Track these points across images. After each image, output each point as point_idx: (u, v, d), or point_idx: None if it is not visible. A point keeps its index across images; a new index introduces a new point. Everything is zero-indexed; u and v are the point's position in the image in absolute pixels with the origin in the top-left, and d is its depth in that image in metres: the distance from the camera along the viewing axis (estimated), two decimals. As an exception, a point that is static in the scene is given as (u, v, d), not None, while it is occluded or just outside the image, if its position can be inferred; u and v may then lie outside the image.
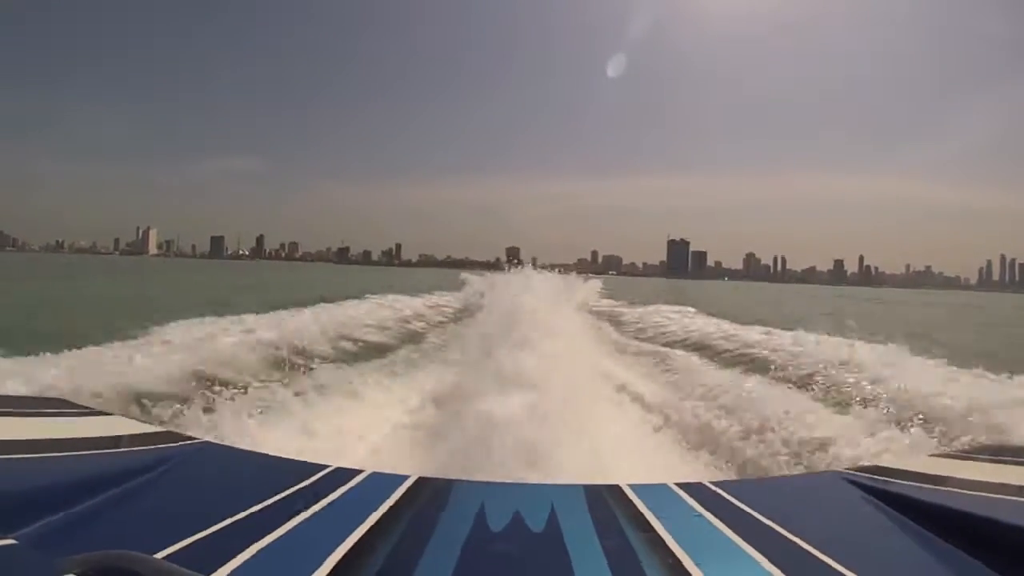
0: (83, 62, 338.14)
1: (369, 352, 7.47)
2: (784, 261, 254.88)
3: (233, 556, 0.85)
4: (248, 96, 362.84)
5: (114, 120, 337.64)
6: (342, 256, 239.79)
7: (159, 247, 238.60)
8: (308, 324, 7.77)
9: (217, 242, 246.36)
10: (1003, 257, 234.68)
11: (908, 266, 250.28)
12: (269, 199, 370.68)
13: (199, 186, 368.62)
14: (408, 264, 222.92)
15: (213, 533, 0.93)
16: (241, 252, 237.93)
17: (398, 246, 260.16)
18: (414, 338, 9.25)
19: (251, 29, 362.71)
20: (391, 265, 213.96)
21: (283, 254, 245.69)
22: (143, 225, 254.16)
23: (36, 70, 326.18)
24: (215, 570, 0.81)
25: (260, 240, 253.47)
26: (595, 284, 24.53)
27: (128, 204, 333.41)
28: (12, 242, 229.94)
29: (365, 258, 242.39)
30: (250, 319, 7.52)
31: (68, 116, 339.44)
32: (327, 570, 0.84)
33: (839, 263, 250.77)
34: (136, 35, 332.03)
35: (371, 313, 10.13)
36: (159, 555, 0.83)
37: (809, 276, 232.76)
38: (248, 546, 0.89)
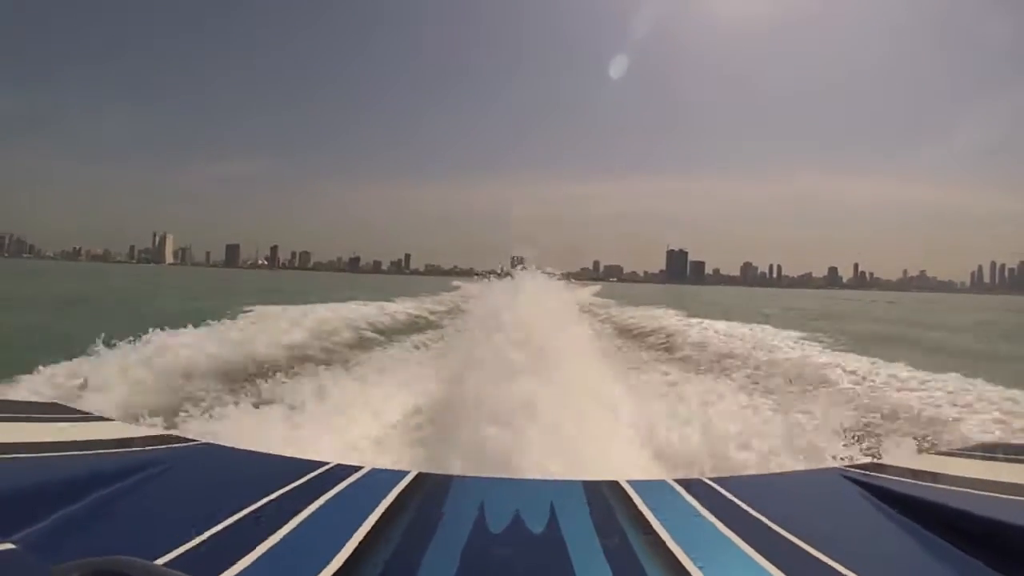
0: (90, 64, 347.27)
1: (366, 348, 7.50)
2: (780, 269, 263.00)
3: (234, 559, 0.85)
4: (253, 99, 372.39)
5: (122, 124, 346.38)
6: (353, 266, 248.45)
7: (174, 255, 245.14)
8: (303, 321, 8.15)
9: (232, 251, 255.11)
10: (993, 263, 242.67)
11: (905, 271, 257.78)
12: (278, 204, 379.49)
13: (207, 192, 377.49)
14: (416, 273, 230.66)
15: (214, 536, 0.93)
16: (261, 262, 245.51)
17: (407, 256, 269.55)
18: (411, 333, 9.60)
19: (257, 33, 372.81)
20: (400, 274, 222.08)
21: (296, 263, 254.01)
22: (153, 231, 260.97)
23: (40, 71, 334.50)
24: (217, 574, 0.81)
25: (274, 250, 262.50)
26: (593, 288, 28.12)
27: (138, 210, 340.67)
28: (29, 248, 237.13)
29: (375, 268, 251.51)
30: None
31: (77, 119, 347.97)
32: (330, 571, 0.84)
33: (833, 270, 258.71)
34: (147, 36, 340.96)
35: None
36: (160, 560, 0.83)
37: (804, 282, 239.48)
38: (249, 548, 0.89)
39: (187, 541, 0.90)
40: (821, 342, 8.60)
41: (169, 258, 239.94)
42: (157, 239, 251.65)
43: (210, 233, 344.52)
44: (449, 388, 4.41)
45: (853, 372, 6.03)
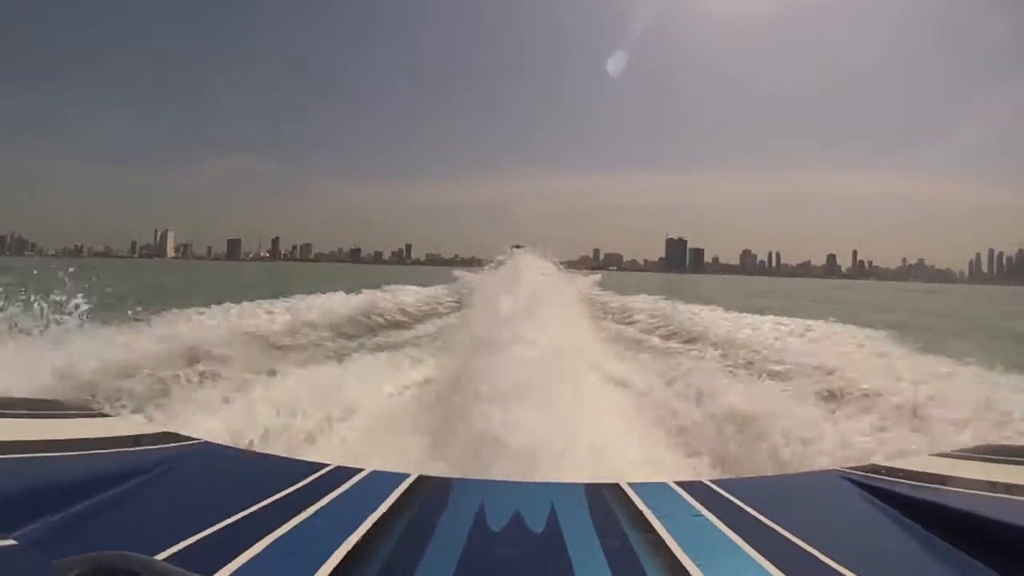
0: (90, 64, 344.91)
1: (365, 345, 7.58)
2: (779, 257, 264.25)
3: (233, 557, 0.86)
4: (254, 97, 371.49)
5: (123, 123, 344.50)
6: (355, 257, 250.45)
7: (176, 250, 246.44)
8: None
9: (234, 245, 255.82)
10: (991, 252, 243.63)
11: (904, 260, 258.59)
12: (279, 200, 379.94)
13: (208, 190, 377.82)
14: (417, 263, 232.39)
15: (213, 534, 0.93)
16: (263, 255, 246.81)
17: (408, 246, 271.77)
18: (409, 327, 9.54)
19: (258, 31, 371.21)
20: (401, 264, 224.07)
21: (297, 255, 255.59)
22: (152, 227, 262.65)
23: (40, 72, 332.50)
24: (215, 571, 0.81)
25: (276, 243, 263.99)
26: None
27: (139, 207, 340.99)
28: (31, 246, 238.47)
29: (376, 258, 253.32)
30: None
31: (78, 119, 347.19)
32: (328, 571, 0.85)
33: (832, 258, 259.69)
34: (147, 36, 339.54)
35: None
36: (159, 556, 0.83)
37: (803, 271, 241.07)
38: (248, 547, 0.89)
39: (186, 539, 0.90)
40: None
41: (171, 253, 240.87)
42: (158, 235, 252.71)
43: (210, 229, 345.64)
44: (448, 385, 4.40)
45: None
